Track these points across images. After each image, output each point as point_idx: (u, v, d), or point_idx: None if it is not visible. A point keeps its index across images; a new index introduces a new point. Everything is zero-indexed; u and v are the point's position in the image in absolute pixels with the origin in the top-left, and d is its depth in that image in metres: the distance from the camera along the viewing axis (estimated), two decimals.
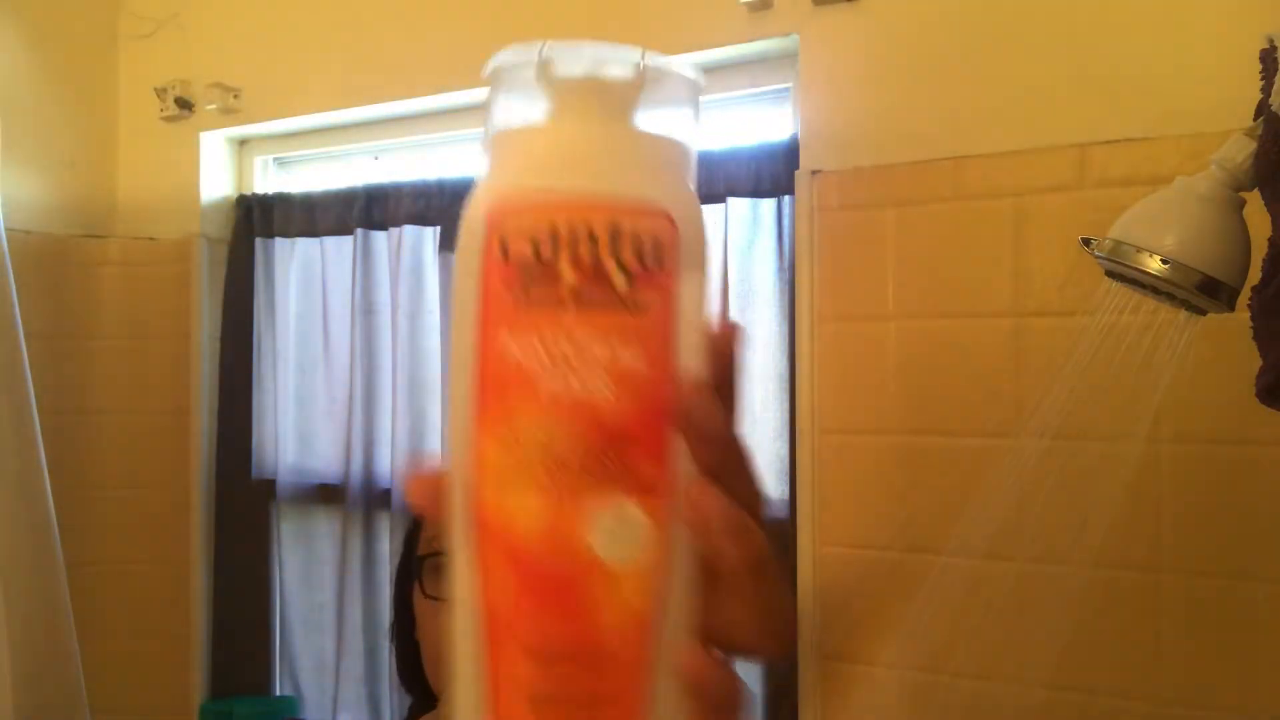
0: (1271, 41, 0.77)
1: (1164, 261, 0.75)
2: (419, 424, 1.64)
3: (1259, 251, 0.75)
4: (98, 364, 1.86)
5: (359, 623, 1.68)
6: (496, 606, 0.28)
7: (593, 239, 0.28)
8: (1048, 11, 1.17)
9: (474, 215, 0.29)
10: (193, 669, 1.82)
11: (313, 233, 1.76)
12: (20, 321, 1.47)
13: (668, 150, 0.31)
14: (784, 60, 1.38)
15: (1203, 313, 0.80)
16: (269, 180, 1.93)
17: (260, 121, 1.80)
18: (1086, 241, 0.82)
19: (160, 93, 1.86)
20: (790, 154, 1.32)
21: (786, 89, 1.41)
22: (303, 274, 1.80)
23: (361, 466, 1.67)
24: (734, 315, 1.38)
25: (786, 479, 1.35)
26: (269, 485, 1.79)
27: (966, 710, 1.18)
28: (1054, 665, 1.12)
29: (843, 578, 1.26)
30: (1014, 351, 1.17)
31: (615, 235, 0.28)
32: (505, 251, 0.28)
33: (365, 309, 1.69)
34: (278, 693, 1.82)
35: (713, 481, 0.29)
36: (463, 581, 0.29)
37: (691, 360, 0.29)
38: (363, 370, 1.69)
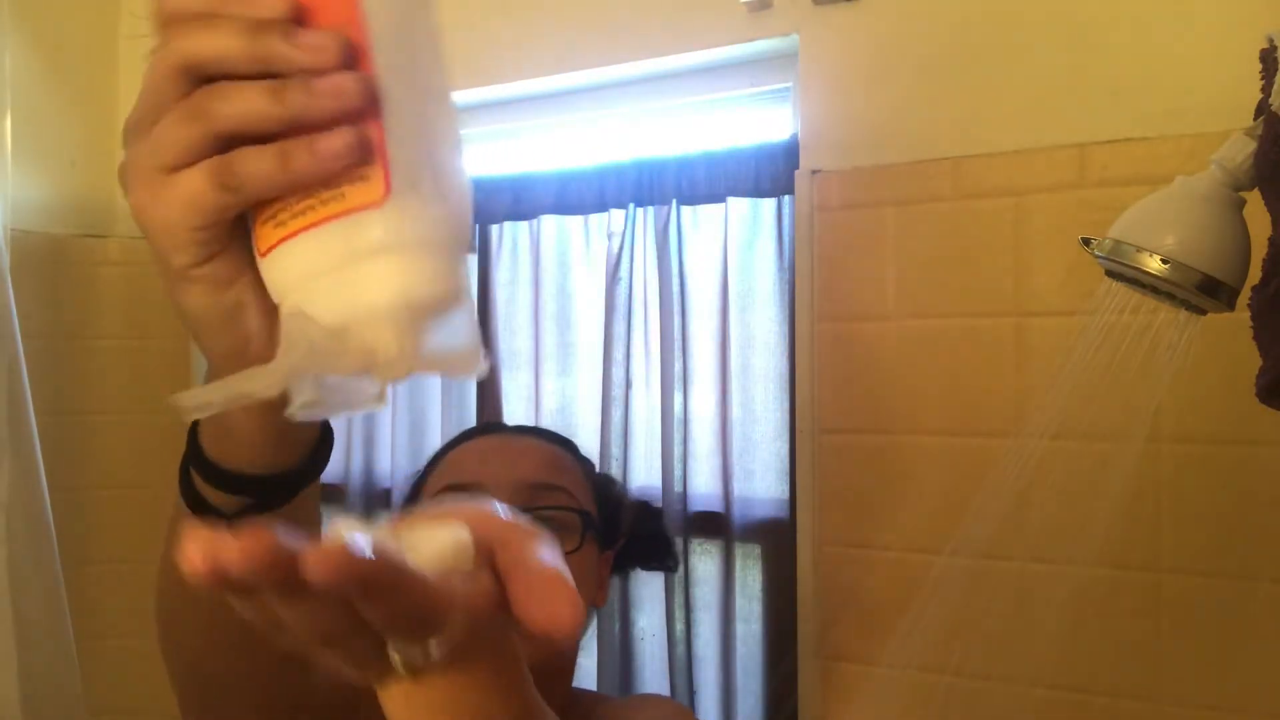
0: (1271, 41, 0.77)
1: (1164, 261, 0.75)
2: (419, 424, 1.64)
3: (1259, 251, 0.75)
4: (97, 364, 1.86)
5: None
6: None
7: None
8: (1048, 11, 1.17)
9: None
10: None
11: None
12: (18, 321, 1.47)
13: None
14: (784, 60, 1.38)
15: (1203, 312, 0.80)
16: None
17: None
18: (1086, 241, 0.82)
19: None
20: (790, 154, 1.33)
21: (786, 89, 1.41)
22: None
23: (361, 466, 1.67)
24: (734, 315, 1.38)
25: (786, 479, 1.35)
26: None
27: (966, 710, 1.18)
28: (1054, 665, 1.12)
29: (843, 578, 1.26)
30: (1014, 351, 1.17)
31: None
32: None
33: None
34: None
35: None
36: None
37: None
38: None
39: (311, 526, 0.55)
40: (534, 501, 0.87)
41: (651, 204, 1.43)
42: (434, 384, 1.63)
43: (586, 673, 1.48)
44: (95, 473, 1.85)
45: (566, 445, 1.03)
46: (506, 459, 0.92)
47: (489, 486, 0.88)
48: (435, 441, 1.63)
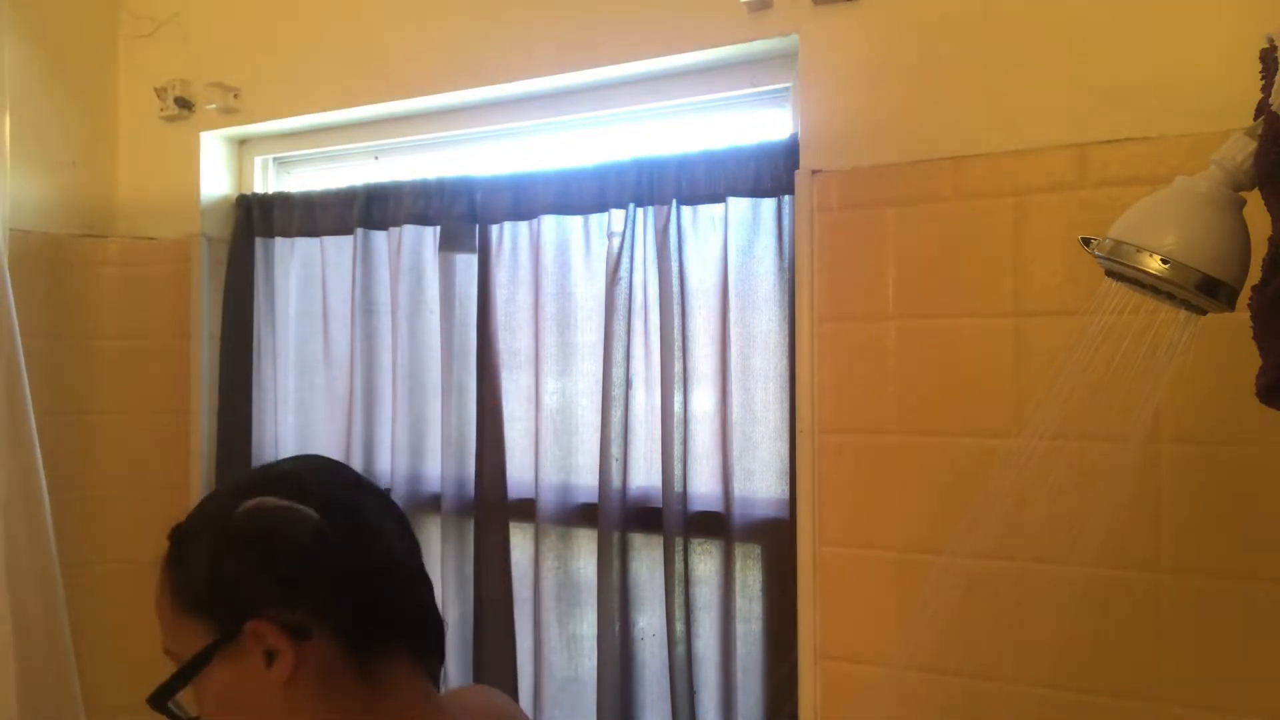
0: (1271, 41, 0.77)
1: (1164, 261, 0.75)
2: (419, 424, 1.64)
3: (1259, 251, 0.75)
4: (98, 364, 1.86)
5: None
6: None
7: None
8: (1047, 11, 1.17)
9: None
10: None
11: (313, 232, 1.76)
12: (18, 321, 1.47)
13: None
14: (784, 60, 1.38)
15: (1203, 312, 0.80)
16: (269, 180, 1.93)
17: (260, 121, 1.80)
18: (1086, 241, 0.82)
19: (160, 92, 1.86)
20: (790, 154, 1.33)
21: (786, 89, 1.41)
22: (303, 274, 1.80)
23: (361, 466, 1.67)
24: (734, 315, 1.38)
25: (786, 479, 1.35)
26: None
27: (966, 710, 1.18)
28: (1054, 665, 1.12)
29: (843, 578, 1.26)
30: (1014, 351, 1.17)
31: None
32: None
33: (365, 309, 1.69)
34: None
35: None
36: None
37: None
38: (363, 370, 1.69)
39: None
40: None
41: (651, 204, 1.43)
42: (434, 383, 1.63)
43: (587, 673, 1.48)
44: (95, 473, 1.85)
45: (169, 567, 0.74)
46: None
47: None
48: (435, 443, 1.62)
